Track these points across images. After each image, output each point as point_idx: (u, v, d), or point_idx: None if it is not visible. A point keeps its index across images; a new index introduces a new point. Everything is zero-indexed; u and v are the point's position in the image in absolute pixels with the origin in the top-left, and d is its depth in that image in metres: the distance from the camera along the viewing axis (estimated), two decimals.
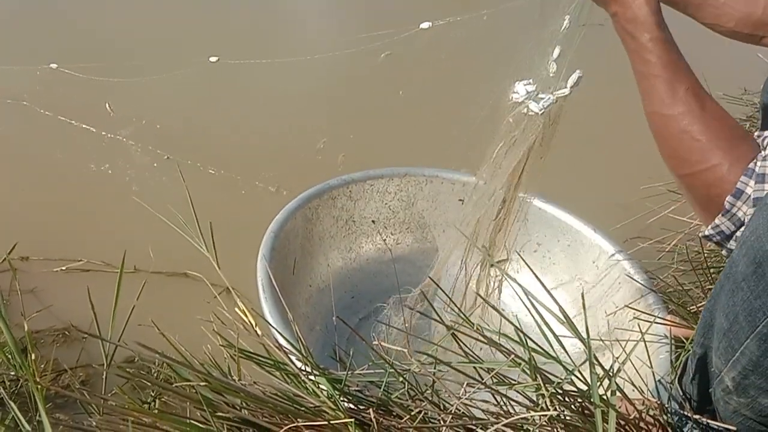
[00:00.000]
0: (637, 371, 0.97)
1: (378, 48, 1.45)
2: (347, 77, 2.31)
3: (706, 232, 0.84)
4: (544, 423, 0.77)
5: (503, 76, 1.14)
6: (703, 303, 1.31)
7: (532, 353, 0.79)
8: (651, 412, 0.87)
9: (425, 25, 1.37)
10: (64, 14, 2.79)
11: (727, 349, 0.79)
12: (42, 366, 1.31)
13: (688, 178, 0.86)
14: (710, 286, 1.35)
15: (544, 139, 1.16)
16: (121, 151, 1.99)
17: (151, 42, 2.52)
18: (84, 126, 2.01)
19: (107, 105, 2.04)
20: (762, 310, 0.72)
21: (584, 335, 0.77)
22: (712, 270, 1.42)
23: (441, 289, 0.93)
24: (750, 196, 0.80)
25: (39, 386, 0.85)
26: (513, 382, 0.81)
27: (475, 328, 0.83)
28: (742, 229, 0.81)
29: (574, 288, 1.44)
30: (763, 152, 0.81)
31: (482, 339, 0.81)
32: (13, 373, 1.19)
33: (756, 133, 0.86)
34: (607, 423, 0.73)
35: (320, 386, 0.84)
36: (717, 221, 0.83)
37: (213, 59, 1.77)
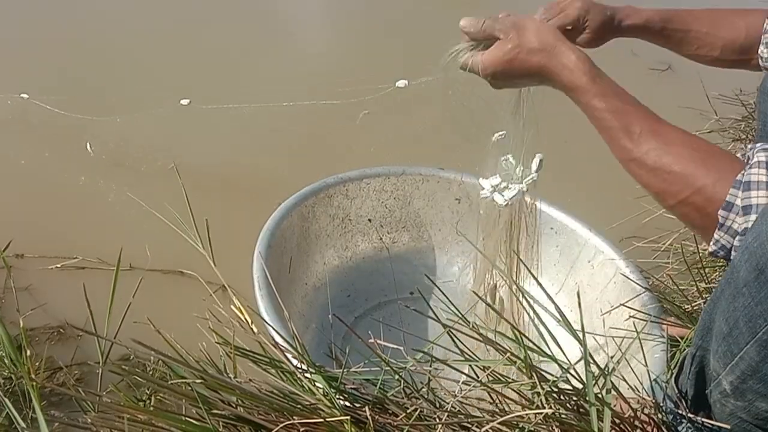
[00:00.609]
0: (632, 370, 0.97)
1: (353, 104, 1.45)
2: (321, 126, 2.28)
3: (710, 250, 0.85)
4: (540, 421, 0.77)
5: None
6: (698, 302, 1.32)
7: (528, 351, 0.79)
8: (646, 411, 0.87)
9: (401, 83, 1.39)
10: (38, 44, 2.70)
11: (726, 354, 0.79)
12: (37, 364, 1.30)
13: (678, 207, 0.87)
14: (706, 286, 1.36)
15: (519, 222, 1.23)
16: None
17: (124, 80, 2.43)
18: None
19: (87, 145, 2.01)
20: (763, 317, 0.72)
21: (580, 334, 0.77)
22: (707, 269, 1.43)
23: (438, 288, 0.93)
24: (740, 206, 0.80)
25: (34, 383, 0.84)
26: (509, 380, 0.81)
27: (471, 326, 0.83)
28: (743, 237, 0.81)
29: (569, 287, 1.44)
30: (749, 162, 0.82)
31: (478, 337, 0.81)
32: (7, 372, 1.19)
33: (749, 146, 0.86)
34: (602, 421, 0.73)
35: (316, 384, 0.84)
36: (716, 236, 0.83)
37: (184, 102, 1.77)
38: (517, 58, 0.98)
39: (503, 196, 1.18)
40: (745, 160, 0.84)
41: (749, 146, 0.85)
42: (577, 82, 0.94)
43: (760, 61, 1.21)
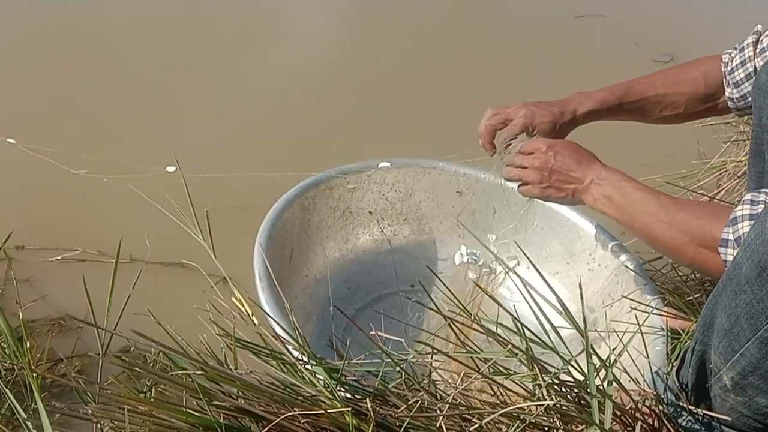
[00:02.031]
0: (633, 362, 0.97)
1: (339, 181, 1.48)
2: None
3: None
4: (541, 413, 0.77)
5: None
6: (700, 295, 1.31)
7: (530, 343, 0.79)
8: (647, 403, 0.87)
9: (384, 164, 1.44)
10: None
11: (727, 350, 0.79)
12: (38, 355, 1.31)
13: (695, 260, 0.96)
14: (708, 278, 1.35)
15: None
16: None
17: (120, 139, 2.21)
18: None
19: None
20: (764, 314, 0.72)
21: (581, 326, 0.77)
22: None
23: (439, 278, 0.93)
24: (733, 239, 0.87)
25: (34, 374, 0.84)
26: (510, 372, 0.81)
27: (472, 318, 0.83)
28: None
29: (571, 279, 1.44)
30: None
31: (479, 329, 0.81)
32: (8, 363, 1.19)
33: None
34: (604, 413, 0.73)
35: (317, 376, 0.84)
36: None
37: (170, 169, 1.76)
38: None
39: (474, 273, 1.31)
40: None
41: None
42: (618, 185, 1.06)
43: (730, 103, 1.24)
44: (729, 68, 1.22)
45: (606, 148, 1.19)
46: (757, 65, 1.16)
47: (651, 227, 1.00)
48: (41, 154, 1.91)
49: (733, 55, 1.22)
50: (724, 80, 1.23)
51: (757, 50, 1.17)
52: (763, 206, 0.85)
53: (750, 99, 1.18)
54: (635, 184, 1.05)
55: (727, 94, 1.23)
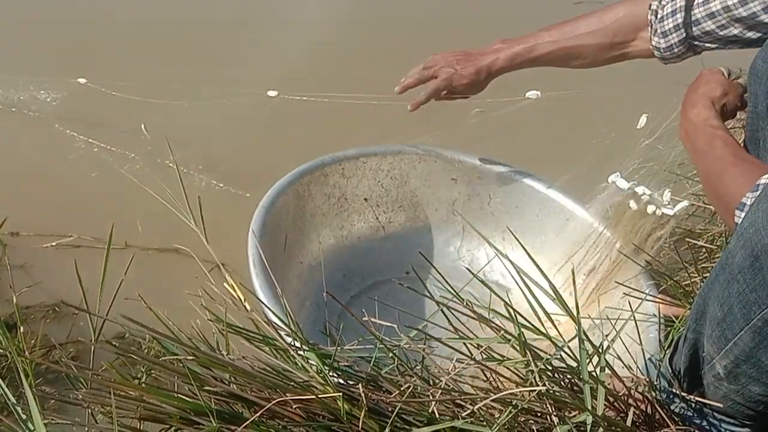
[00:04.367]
0: (627, 349, 0.97)
1: None
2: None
3: None
4: (534, 398, 0.77)
5: None
6: (695, 282, 1.31)
7: (522, 329, 0.79)
8: (640, 389, 0.87)
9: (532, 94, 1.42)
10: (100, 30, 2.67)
11: (720, 338, 0.79)
12: (32, 342, 1.30)
13: (726, 215, 0.92)
14: (704, 265, 1.35)
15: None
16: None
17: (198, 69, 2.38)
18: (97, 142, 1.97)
19: (142, 126, 1.98)
20: (757, 304, 0.72)
21: (574, 312, 0.77)
22: (704, 249, 1.42)
23: (433, 265, 0.93)
24: (749, 205, 0.83)
25: (23, 359, 0.84)
26: (503, 357, 0.81)
27: (465, 303, 0.82)
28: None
29: (565, 266, 1.44)
30: None
31: (472, 315, 0.81)
32: (1, 350, 1.19)
33: None
34: (596, 399, 0.73)
35: (309, 361, 0.84)
36: None
37: (272, 93, 1.74)
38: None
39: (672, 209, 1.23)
40: None
41: None
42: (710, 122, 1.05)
43: (656, 52, 1.25)
44: (658, 16, 1.21)
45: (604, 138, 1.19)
46: (697, 16, 1.16)
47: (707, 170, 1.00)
48: (115, 90, 1.91)
49: (664, 2, 1.20)
50: (650, 28, 1.23)
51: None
52: None
53: (676, 50, 1.21)
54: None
55: (653, 42, 1.23)
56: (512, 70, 1.35)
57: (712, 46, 1.19)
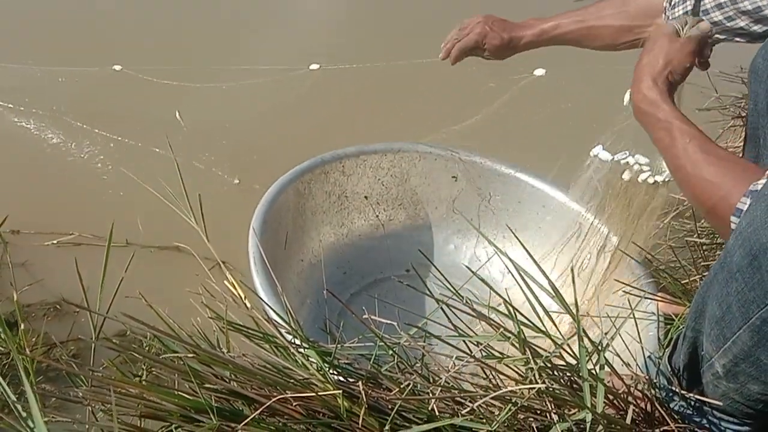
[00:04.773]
0: (626, 347, 0.97)
1: None
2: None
3: None
4: (533, 396, 0.77)
5: None
6: (695, 279, 1.31)
7: (522, 327, 0.79)
8: (639, 387, 0.87)
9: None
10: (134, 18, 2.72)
11: (719, 337, 0.79)
12: (33, 339, 1.31)
13: (709, 216, 0.92)
14: (703, 263, 1.35)
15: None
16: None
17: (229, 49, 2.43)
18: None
19: (177, 113, 1.99)
20: (756, 302, 0.72)
21: (573, 310, 0.77)
22: (704, 247, 1.42)
23: (433, 263, 0.93)
24: (743, 210, 0.82)
25: (23, 357, 0.84)
26: (502, 355, 0.81)
27: (464, 301, 0.82)
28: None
29: (565, 265, 1.44)
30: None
31: (472, 312, 0.81)
32: (2, 347, 1.19)
33: None
34: (596, 396, 0.73)
35: (310, 359, 0.84)
36: None
37: (314, 67, 1.73)
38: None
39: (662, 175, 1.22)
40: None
41: None
42: (666, 114, 1.01)
43: None
44: (672, 3, 1.22)
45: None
46: (707, 6, 1.16)
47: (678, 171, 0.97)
48: (149, 75, 1.92)
49: None
50: (664, 14, 1.24)
51: None
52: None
53: None
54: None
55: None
56: (538, 45, 1.41)
57: (721, 37, 1.18)
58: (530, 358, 0.77)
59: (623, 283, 1.17)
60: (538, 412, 0.79)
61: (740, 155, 1.21)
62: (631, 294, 1.13)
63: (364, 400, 0.78)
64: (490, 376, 0.83)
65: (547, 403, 0.77)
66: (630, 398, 0.83)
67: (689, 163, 0.93)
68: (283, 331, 0.88)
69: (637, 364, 0.98)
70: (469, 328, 0.83)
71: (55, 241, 1.62)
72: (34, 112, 2.08)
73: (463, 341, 0.82)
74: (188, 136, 2.00)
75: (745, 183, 0.83)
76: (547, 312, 0.80)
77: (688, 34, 1.10)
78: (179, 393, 0.78)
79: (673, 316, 1.18)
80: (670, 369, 0.95)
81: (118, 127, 2.00)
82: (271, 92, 2.10)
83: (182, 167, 1.09)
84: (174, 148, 1.18)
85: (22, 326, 0.99)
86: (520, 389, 0.76)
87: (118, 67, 2.06)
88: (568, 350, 0.79)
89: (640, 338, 0.98)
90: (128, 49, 2.38)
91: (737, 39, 1.17)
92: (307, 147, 1.57)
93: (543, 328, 0.80)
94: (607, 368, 0.77)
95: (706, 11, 1.16)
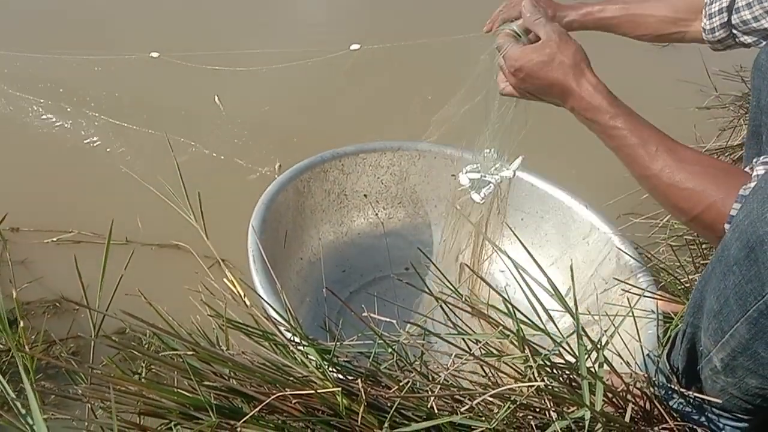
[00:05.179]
0: (625, 345, 0.97)
1: None
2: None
3: None
4: (532, 394, 0.77)
5: None
6: (694, 278, 1.31)
7: (521, 325, 0.79)
8: (638, 385, 0.87)
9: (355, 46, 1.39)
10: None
11: (717, 331, 0.79)
12: (33, 337, 1.31)
13: (692, 223, 0.89)
14: (703, 262, 1.35)
15: (490, 218, 1.32)
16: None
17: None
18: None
19: (216, 98, 1.98)
20: (753, 295, 0.72)
21: (573, 308, 0.77)
22: (704, 246, 1.42)
23: (431, 260, 0.93)
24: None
25: (23, 354, 0.84)
26: (501, 353, 0.81)
27: (463, 299, 0.83)
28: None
29: (564, 263, 1.44)
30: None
31: (471, 310, 0.81)
32: (2, 345, 1.19)
33: (755, 159, 0.87)
34: (595, 395, 0.73)
35: (309, 357, 0.84)
36: None
37: (354, 47, 1.71)
38: (549, 66, 0.99)
39: (479, 193, 1.25)
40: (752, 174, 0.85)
41: (755, 159, 0.86)
42: (596, 103, 0.96)
43: (704, 34, 1.24)
44: None
45: None
46: (739, 3, 1.16)
47: (647, 180, 0.92)
48: (188, 62, 1.92)
49: None
50: (704, 9, 1.23)
51: None
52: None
53: (717, 34, 1.20)
54: (624, 124, 0.94)
55: (702, 23, 1.23)
56: (582, 27, 1.35)
57: (748, 39, 1.19)
58: (529, 356, 0.77)
59: (623, 281, 1.17)
60: (537, 410, 0.79)
61: (742, 153, 1.21)
62: (630, 292, 1.13)
63: (364, 397, 0.78)
64: (489, 374, 0.83)
65: (546, 401, 0.77)
66: (629, 396, 0.83)
67: (664, 174, 0.89)
68: (282, 328, 0.89)
69: (636, 363, 0.98)
70: (468, 326, 0.83)
71: (54, 239, 1.62)
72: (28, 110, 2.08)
73: (462, 339, 0.82)
74: (225, 122, 2.00)
75: (732, 188, 0.82)
76: (546, 310, 0.80)
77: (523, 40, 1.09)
78: (179, 390, 0.78)
79: (672, 315, 1.18)
80: (668, 367, 0.95)
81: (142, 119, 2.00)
82: (312, 74, 2.07)
83: (213, 159, 1.07)
84: (210, 137, 1.16)
85: (22, 324, 0.99)
86: (519, 387, 0.76)
87: (155, 54, 2.05)
88: (568, 348, 0.79)
89: (639, 336, 0.98)
90: (163, 36, 2.39)
91: (763, 43, 1.16)
92: (354, 128, 1.53)
93: (542, 327, 0.80)
94: (606, 366, 0.77)
95: (737, 9, 1.16)
